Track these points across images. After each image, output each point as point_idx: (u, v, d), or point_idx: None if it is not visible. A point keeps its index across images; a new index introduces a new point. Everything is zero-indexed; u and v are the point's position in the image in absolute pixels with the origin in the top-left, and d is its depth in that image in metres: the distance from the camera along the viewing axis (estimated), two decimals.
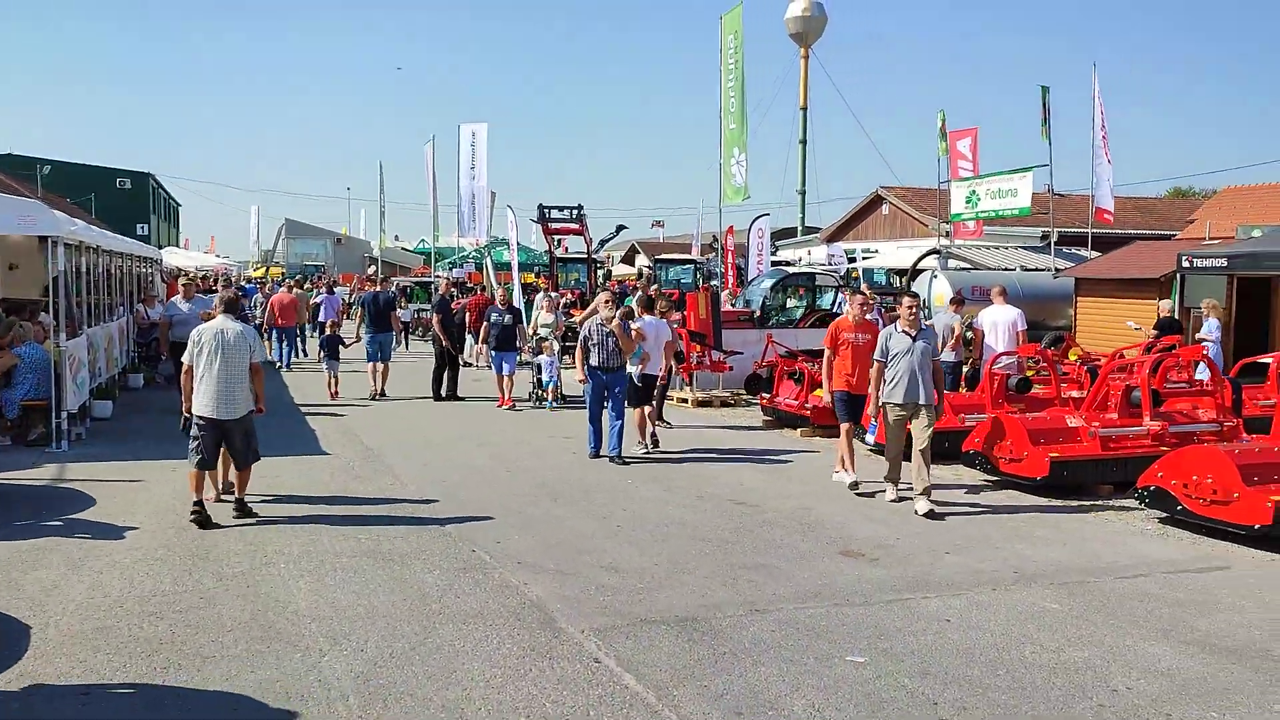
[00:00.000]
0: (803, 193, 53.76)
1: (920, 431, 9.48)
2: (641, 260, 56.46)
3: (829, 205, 69.49)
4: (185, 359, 8.73)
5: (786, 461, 11.99)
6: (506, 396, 16.16)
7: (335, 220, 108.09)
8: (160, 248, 46.19)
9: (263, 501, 9.35)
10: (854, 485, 10.16)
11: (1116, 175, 31.84)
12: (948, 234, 38.42)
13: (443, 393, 17.18)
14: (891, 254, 36.41)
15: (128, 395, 17.07)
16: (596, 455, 11.74)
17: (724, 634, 6.19)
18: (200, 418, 8.62)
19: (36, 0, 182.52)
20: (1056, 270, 21.78)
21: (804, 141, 51.84)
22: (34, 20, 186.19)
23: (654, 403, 13.22)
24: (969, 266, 24.37)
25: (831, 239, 46.54)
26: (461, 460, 11.74)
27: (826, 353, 10.75)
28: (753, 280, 21.50)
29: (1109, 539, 8.56)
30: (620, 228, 34.13)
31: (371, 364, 17.41)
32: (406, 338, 27.63)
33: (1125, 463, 10.21)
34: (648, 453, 12.27)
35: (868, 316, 15.83)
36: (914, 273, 21.81)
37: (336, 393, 17.21)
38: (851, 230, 47.97)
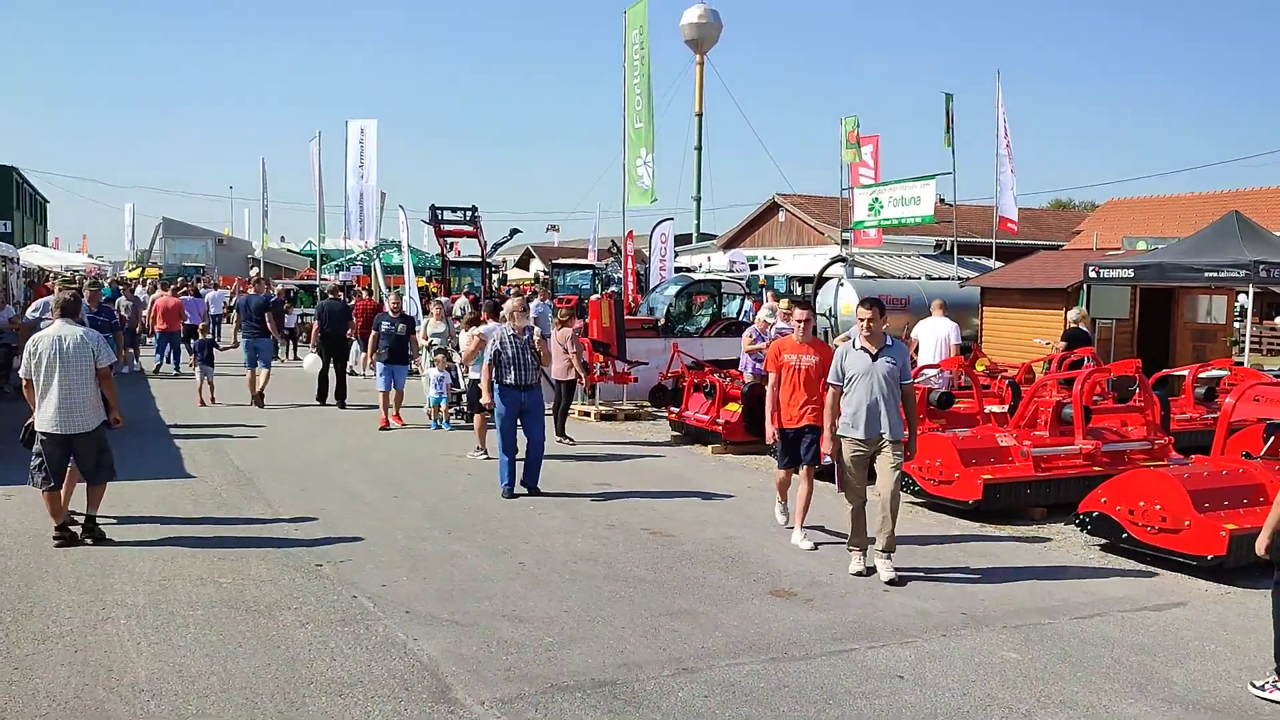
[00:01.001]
0: (698, 199, 53.59)
1: (886, 473, 7.58)
2: (537, 265, 55.44)
3: (725, 212, 69.96)
4: (22, 371, 7.94)
5: (700, 483, 11.17)
6: (396, 413, 14.55)
7: (217, 220, 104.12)
8: (20, 246, 43.26)
9: (108, 540, 8.12)
10: (789, 525, 8.82)
11: (988, 189, 32.12)
12: (846, 241, 38.40)
13: (329, 398, 16.64)
14: (789, 261, 36.20)
15: None
16: (512, 493, 10.05)
17: (648, 701, 5.31)
18: (44, 434, 7.83)
19: None
20: (962, 280, 21.55)
21: (699, 148, 51.63)
22: None
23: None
24: (874, 275, 24.05)
25: (728, 245, 46.30)
26: (344, 484, 10.60)
27: (771, 378, 8.74)
28: (656, 287, 20.75)
29: (1055, 571, 7.95)
30: (514, 231, 33.11)
31: (250, 370, 16.45)
32: (294, 345, 26.02)
33: (1059, 484, 9.68)
34: (488, 458, 11.81)
35: (781, 327, 15.32)
36: (820, 281, 21.32)
37: (208, 401, 16.32)
38: (748, 237, 47.84)
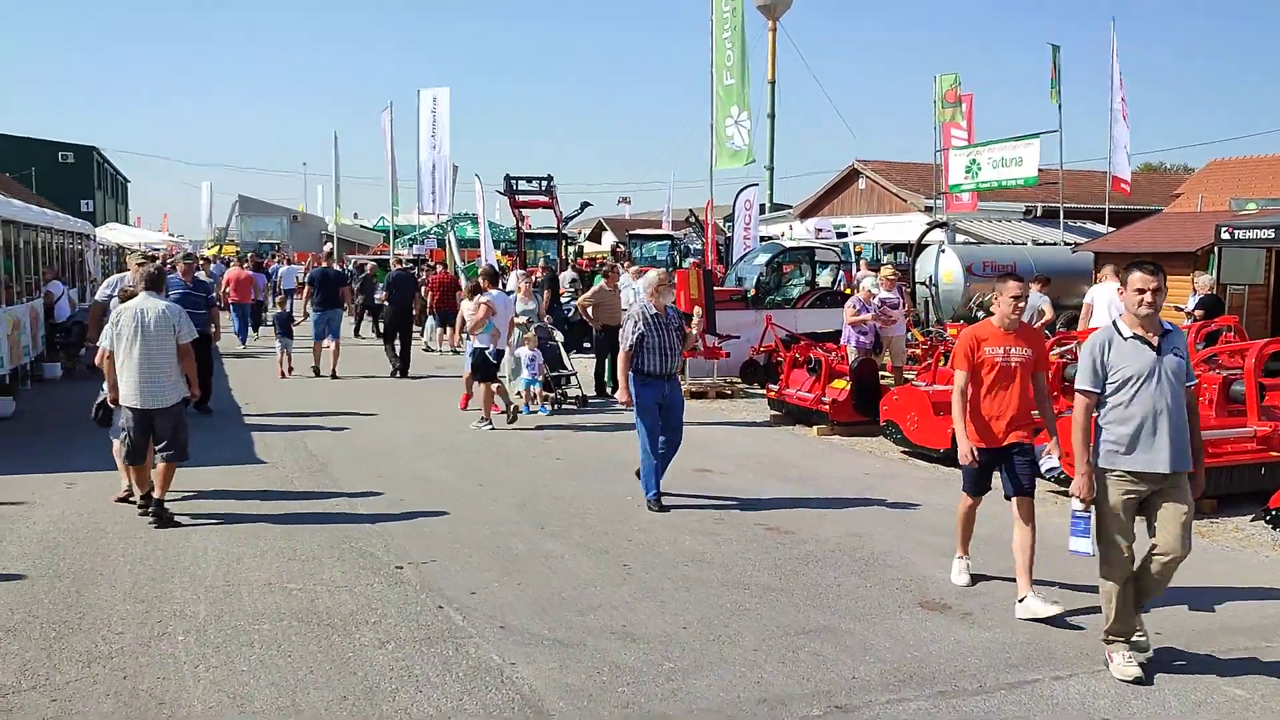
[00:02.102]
0: (771, 168, 52.17)
1: (1172, 527, 5.12)
2: (609, 237, 54.53)
3: (798, 181, 68.19)
4: (102, 342, 7.87)
5: (811, 470, 10.15)
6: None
7: (291, 197, 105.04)
8: (99, 225, 43.55)
9: (175, 522, 7.48)
10: (971, 583, 6.57)
11: (1086, 150, 30.23)
12: (930, 208, 36.80)
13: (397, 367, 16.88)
14: (876, 229, 34.73)
15: (40, 388, 14.93)
16: (660, 503, 8.42)
17: None
18: (125, 407, 7.72)
19: None
20: (1074, 245, 20.09)
21: (772, 116, 50.03)
22: None
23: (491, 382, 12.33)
24: (974, 241, 22.64)
25: (805, 214, 44.94)
26: (423, 471, 9.78)
27: (959, 379, 6.23)
28: (744, 256, 19.66)
29: (1250, 576, 6.79)
30: (585, 204, 32.24)
31: (317, 342, 16.60)
32: (376, 322, 25.48)
33: (1229, 471, 8.47)
34: (492, 428, 11.99)
35: (885, 296, 14.17)
36: (918, 247, 20.05)
37: (286, 372, 16.62)
38: (826, 205, 46.39)
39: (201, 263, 27.39)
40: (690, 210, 35.15)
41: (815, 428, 12.05)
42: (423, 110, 29.19)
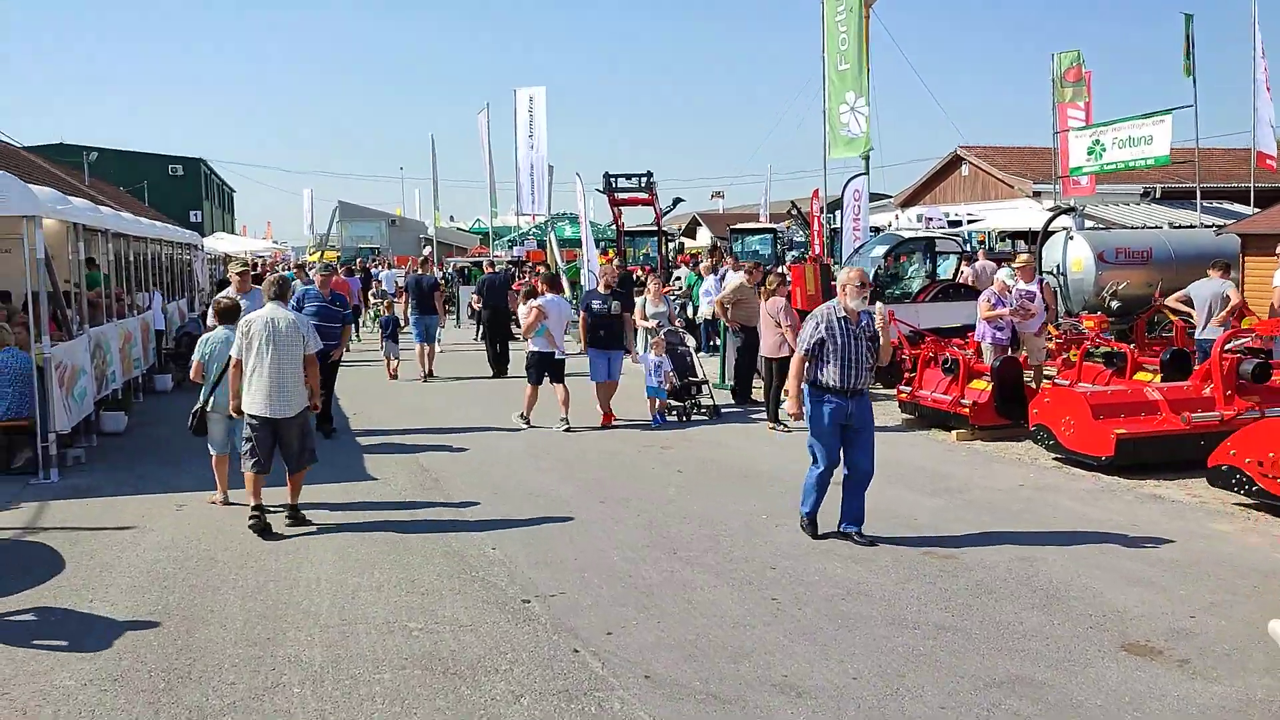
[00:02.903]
0: (866, 157, 50.87)
1: None
2: (705, 233, 53.76)
3: (895, 170, 66.17)
4: (234, 351, 7.87)
5: (959, 480, 9.32)
6: (605, 409, 12.14)
7: (389, 201, 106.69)
8: (206, 234, 44.47)
9: (309, 523, 7.15)
10: None
11: (1221, 126, 28.36)
12: (1037, 194, 35.19)
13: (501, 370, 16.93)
14: (989, 217, 33.26)
15: (152, 400, 14.86)
16: (815, 530, 7.44)
17: None
18: (253, 417, 7.76)
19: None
20: (1218, 228, 18.68)
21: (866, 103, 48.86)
22: (83, 14, 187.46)
23: (563, 382, 12.11)
24: (1102, 226, 21.31)
25: (906, 204, 43.59)
26: (541, 487, 9.22)
27: None
28: (859, 248, 18.73)
29: None
30: (677, 200, 31.63)
31: (419, 346, 17.14)
32: (480, 324, 25.28)
33: None
34: (530, 426, 12.02)
35: (1023, 288, 13.17)
36: (1044, 235, 18.86)
37: (394, 374, 17.04)
38: (927, 194, 44.95)
39: (296, 270, 27.44)
40: (792, 202, 34.19)
41: (954, 432, 11.18)
42: (519, 110, 28.88)
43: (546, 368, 12.08)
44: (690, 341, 13.16)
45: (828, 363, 7.20)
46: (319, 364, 9.40)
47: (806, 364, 7.35)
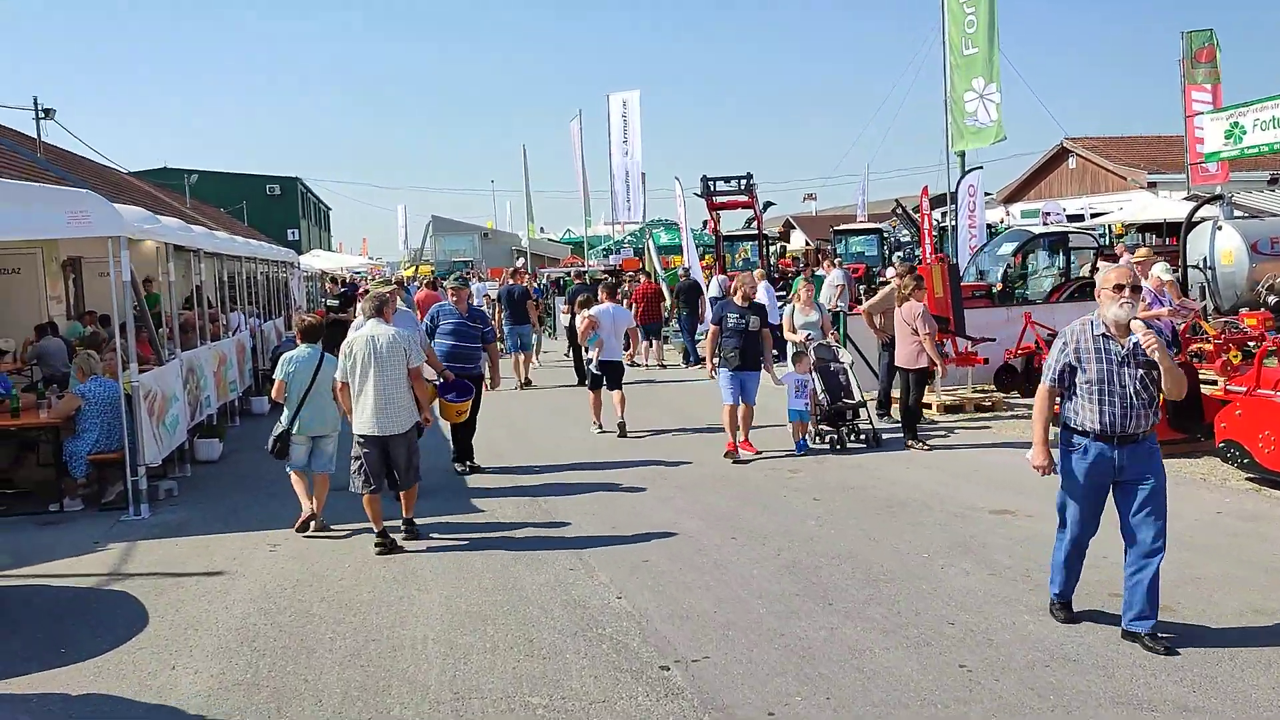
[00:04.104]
0: (962, 154, 49.11)
1: None
2: (799, 235, 52.48)
3: (994, 166, 63.68)
4: (338, 374, 7.78)
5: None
6: (745, 438, 10.64)
7: (481, 214, 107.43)
8: (304, 252, 44.81)
9: (424, 535, 6.28)
10: None
11: None
12: (1152, 184, 33.15)
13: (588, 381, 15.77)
14: (1118, 211, 31.41)
15: (249, 423, 14.37)
16: (1069, 614, 5.72)
17: None
18: (361, 436, 7.66)
19: (175, 21, 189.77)
20: None
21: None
22: (182, 42, 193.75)
23: (620, 390, 12.31)
24: (1251, 215, 19.62)
25: (1009, 199, 41.78)
26: (664, 519, 8.30)
27: None
28: (984, 246, 17.50)
29: None
30: (768, 204, 30.63)
31: (514, 355, 17.40)
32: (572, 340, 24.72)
33: None
34: (603, 431, 12.15)
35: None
36: (1188, 225, 17.34)
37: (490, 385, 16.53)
38: (1032, 189, 43.14)
39: (395, 287, 27.02)
40: (896, 201, 32.89)
41: None
42: (613, 115, 28.19)
43: (606, 373, 12.44)
44: (845, 357, 11.47)
45: (1082, 398, 5.41)
46: (472, 391, 9.49)
47: (1053, 398, 5.62)
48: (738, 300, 10.51)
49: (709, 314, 20.62)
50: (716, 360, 10.48)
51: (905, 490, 8.92)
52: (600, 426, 12.44)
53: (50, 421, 9.41)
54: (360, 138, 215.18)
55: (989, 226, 27.20)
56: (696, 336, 21.01)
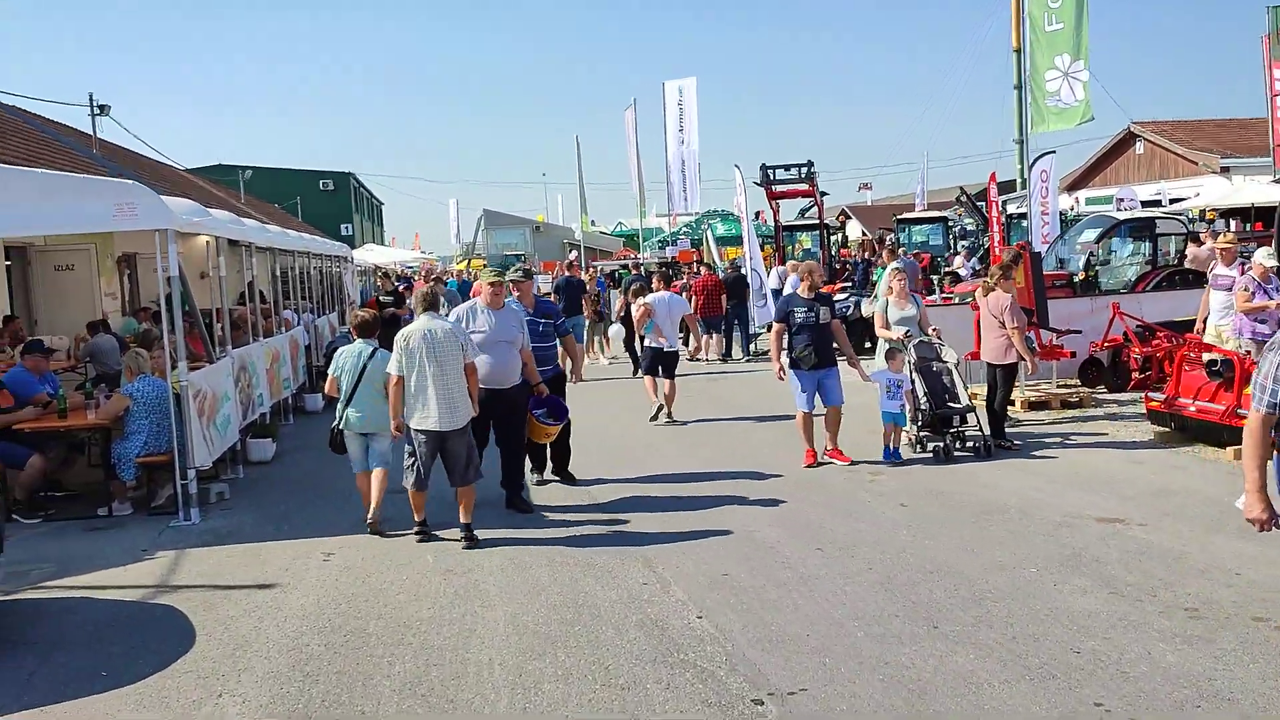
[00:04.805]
0: (1020, 141, 47.74)
1: None
2: (855, 225, 51.47)
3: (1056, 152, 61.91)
4: (392, 368, 7.57)
5: None
6: (833, 445, 9.70)
7: (533, 207, 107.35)
8: (357, 247, 44.79)
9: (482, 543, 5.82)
10: None
11: None
12: (1225, 169, 31.96)
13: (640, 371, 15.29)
14: (1198, 197, 30.25)
15: (303, 421, 14.04)
16: None
17: None
18: (419, 431, 7.51)
19: (230, 22, 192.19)
20: None
21: (1019, 87, 45.65)
22: (235, 40, 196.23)
23: (673, 380, 12.61)
24: None
25: (1073, 187, 40.54)
26: (740, 525, 7.73)
27: None
28: (1063, 234, 16.68)
29: None
30: (821, 194, 29.79)
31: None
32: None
33: None
34: (653, 419, 12.37)
35: (1226, 272, 11.07)
36: None
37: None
38: (1098, 175, 41.86)
39: (437, 281, 26.58)
40: (960, 188, 31.91)
41: (1231, 449, 9.17)
42: (669, 104, 27.58)
43: (659, 362, 12.60)
44: (950, 356, 10.18)
45: None
46: (567, 414, 8.95)
47: (1269, 429, 4.30)
48: (803, 292, 9.68)
49: (756, 304, 19.98)
50: (785, 361, 9.55)
51: (999, 495, 8.27)
52: (659, 405, 12.53)
53: (98, 423, 9.07)
54: (412, 132, 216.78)
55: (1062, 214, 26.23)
56: (757, 329, 20.45)
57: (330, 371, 8.32)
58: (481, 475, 7.83)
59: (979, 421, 9.86)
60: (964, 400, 9.90)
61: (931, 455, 9.63)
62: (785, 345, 9.54)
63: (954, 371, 10.03)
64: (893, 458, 9.55)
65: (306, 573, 7.00)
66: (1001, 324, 9.98)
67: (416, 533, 7.67)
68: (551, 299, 14.39)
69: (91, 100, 25.26)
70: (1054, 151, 21.04)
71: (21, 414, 9.04)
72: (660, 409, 12.62)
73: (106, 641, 5.86)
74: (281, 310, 15.33)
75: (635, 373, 16.29)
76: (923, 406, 9.80)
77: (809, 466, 9.48)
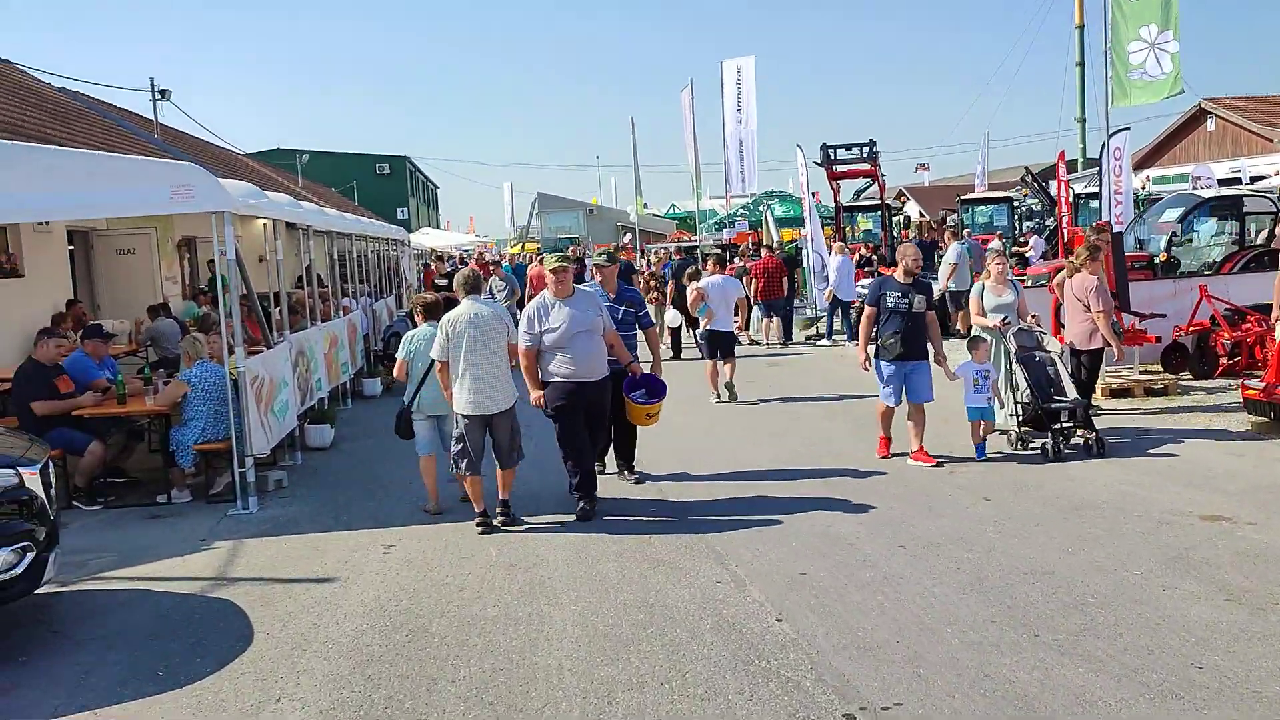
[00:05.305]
0: (1082, 120, 46.34)
1: None
2: (913, 207, 50.49)
3: (1130, 128, 60.22)
4: (436, 352, 7.54)
5: None
6: (919, 445, 8.88)
7: (586, 190, 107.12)
8: (413, 230, 44.84)
9: (521, 520, 5.52)
10: None
11: None
12: None
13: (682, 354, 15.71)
14: (1268, 173, 29.12)
15: (360, 407, 13.90)
16: None
17: None
18: (465, 416, 7.44)
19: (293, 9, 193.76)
20: None
21: (1081, 64, 44.23)
22: (297, 26, 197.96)
23: (732, 359, 12.89)
24: None
25: (1139, 166, 39.28)
26: (817, 521, 7.38)
27: None
28: (1143, 214, 15.99)
29: None
30: (881, 175, 29.07)
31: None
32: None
33: None
34: (719, 401, 12.55)
35: None
36: None
37: None
38: (1166, 153, 40.59)
39: (492, 266, 26.19)
40: (1025, 168, 31.04)
41: None
42: (726, 83, 26.98)
43: (718, 345, 12.77)
44: (1054, 346, 9.51)
45: None
46: (665, 391, 8.42)
47: None
48: (898, 276, 8.92)
49: (817, 286, 19.48)
50: (871, 350, 8.97)
51: (1089, 490, 7.80)
52: (718, 396, 12.74)
53: (157, 409, 8.93)
54: (466, 115, 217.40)
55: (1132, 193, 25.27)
56: (820, 313, 20.02)
57: (399, 354, 8.23)
58: (524, 457, 7.78)
59: (1085, 417, 8.99)
60: (1071, 393, 9.07)
61: (1039, 454, 8.84)
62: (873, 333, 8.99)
63: (1058, 362, 9.30)
64: (978, 452, 8.95)
65: (366, 566, 6.77)
66: (1086, 307, 9.47)
67: (478, 523, 7.49)
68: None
69: (153, 85, 25.39)
70: (1128, 128, 20.23)
71: (81, 400, 8.93)
72: (722, 392, 12.86)
73: (164, 638, 5.66)
74: (340, 296, 15.17)
75: (672, 356, 16.76)
76: (1024, 400, 9.09)
77: (882, 457, 9.03)
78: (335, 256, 15.74)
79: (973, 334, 9.64)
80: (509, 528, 7.48)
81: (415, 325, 8.54)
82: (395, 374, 8.41)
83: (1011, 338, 9.26)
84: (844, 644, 5.16)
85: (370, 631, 5.61)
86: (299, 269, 17.75)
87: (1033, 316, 9.62)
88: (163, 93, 25.62)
